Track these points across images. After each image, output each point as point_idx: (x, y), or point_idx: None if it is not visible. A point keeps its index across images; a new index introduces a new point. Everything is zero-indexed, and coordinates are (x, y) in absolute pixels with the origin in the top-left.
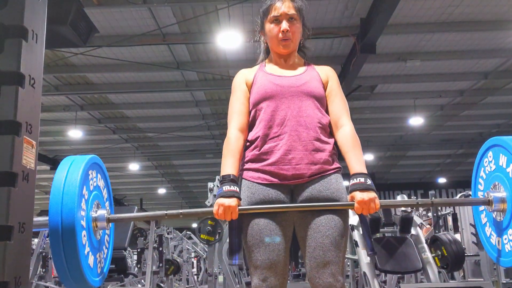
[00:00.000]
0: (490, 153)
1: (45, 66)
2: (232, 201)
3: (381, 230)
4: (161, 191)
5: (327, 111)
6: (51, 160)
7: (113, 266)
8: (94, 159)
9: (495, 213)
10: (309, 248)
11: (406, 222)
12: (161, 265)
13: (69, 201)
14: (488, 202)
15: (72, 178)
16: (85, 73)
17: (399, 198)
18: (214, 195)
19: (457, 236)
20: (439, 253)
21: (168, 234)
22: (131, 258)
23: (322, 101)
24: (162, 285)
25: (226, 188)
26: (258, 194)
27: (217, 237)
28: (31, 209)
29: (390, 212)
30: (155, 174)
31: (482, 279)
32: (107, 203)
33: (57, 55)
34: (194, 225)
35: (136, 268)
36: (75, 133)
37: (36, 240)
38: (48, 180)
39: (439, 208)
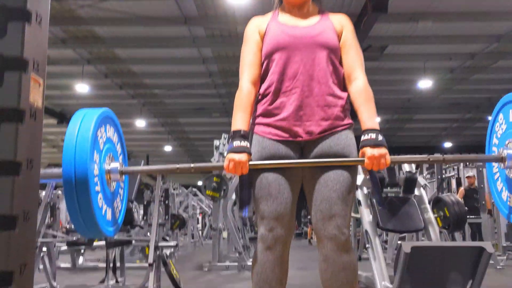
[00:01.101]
0: (504, 111)
1: (51, 18)
2: (243, 156)
3: (384, 190)
4: (167, 148)
5: (341, 63)
6: (58, 114)
7: None
8: (107, 113)
9: (508, 170)
10: (316, 201)
11: (410, 183)
12: (167, 218)
13: (82, 152)
14: (501, 159)
15: (85, 130)
16: (92, 26)
17: None
18: (220, 153)
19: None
20: (441, 214)
21: (174, 190)
22: (137, 213)
23: (336, 53)
24: (167, 238)
25: (236, 143)
26: (269, 149)
27: (222, 193)
28: (39, 147)
29: (394, 172)
30: (162, 132)
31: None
32: (120, 156)
33: (64, 7)
34: (200, 183)
35: (142, 221)
36: (82, 88)
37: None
38: (55, 134)
39: (444, 171)
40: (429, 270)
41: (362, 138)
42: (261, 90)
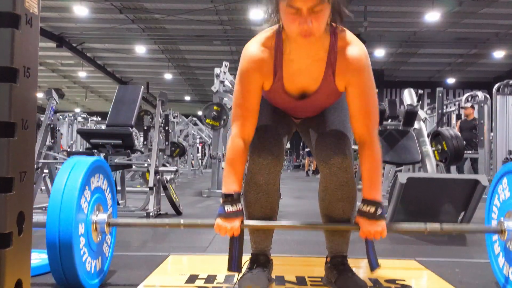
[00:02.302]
0: (505, 180)
1: None
2: (235, 224)
3: (384, 123)
4: (168, 76)
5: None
6: (57, 37)
7: (120, 142)
8: (97, 162)
9: (508, 242)
10: (313, 128)
11: (410, 116)
12: (166, 143)
13: (67, 212)
14: (500, 231)
15: (72, 185)
16: None
17: (406, 92)
18: (221, 81)
19: None
20: (439, 147)
21: (174, 118)
22: (138, 140)
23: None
24: (167, 165)
25: (228, 209)
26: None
27: (222, 122)
28: (35, 56)
29: (395, 105)
30: (162, 59)
31: None
32: (110, 207)
33: None
34: (200, 113)
35: (143, 147)
36: (81, 10)
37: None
38: (55, 57)
39: (445, 106)
40: (423, 201)
41: (361, 207)
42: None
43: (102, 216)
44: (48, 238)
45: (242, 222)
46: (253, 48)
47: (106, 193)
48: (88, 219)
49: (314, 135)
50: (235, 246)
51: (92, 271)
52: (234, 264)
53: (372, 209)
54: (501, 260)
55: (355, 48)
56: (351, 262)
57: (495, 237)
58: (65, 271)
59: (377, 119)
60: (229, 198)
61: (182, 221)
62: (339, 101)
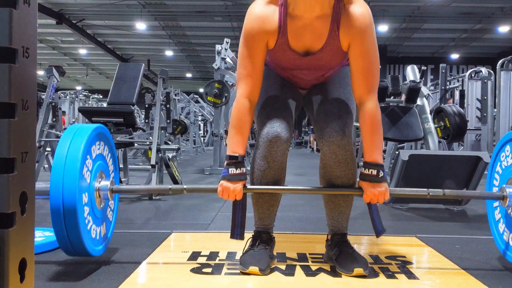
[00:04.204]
0: (507, 147)
1: None
2: (238, 186)
3: (387, 99)
4: (168, 53)
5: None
6: (57, 14)
7: (121, 120)
8: (99, 129)
9: (509, 208)
10: (316, 106)
11: (413, 92)
12: (168, 121)
13: (70, 181)
14: (502, 197)
15: (74, 154)
16: None
17: (409, 68)
18: (222, 58)
19: None
20: (442, 124)
21: (176, 95)
22: (139, 118)
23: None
24: (169, 142)
25: (232, 171)
26: (275, 73)
27: (223, 99)
28: (34, 35)
29: (398, 81)
30: (163, 35)
31: None
32: (112, 174)
33: None
34: (201, 90)
35: (144, 125)
36: None
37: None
38: (54, 35)
39: (448, 82)
40: (425, 178)
41: (363, 170)
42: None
43: (105, 183)
44: (52, 207)
45: (245, 186)
46: (258, 6)
47: (108, 160)
48: (91, 186)
49: (316, 111)
50: (237, 212)
51: (97, 238)
52: (236, 232)
53: (374, 172)
54: (501, 226)
55: (360, 6)
56: (351, 239)
57: (496, 203)
58: (71, 240)
59: (377, 80)
60: (233, 160)
61: (185, 186)
62: (344, 77)
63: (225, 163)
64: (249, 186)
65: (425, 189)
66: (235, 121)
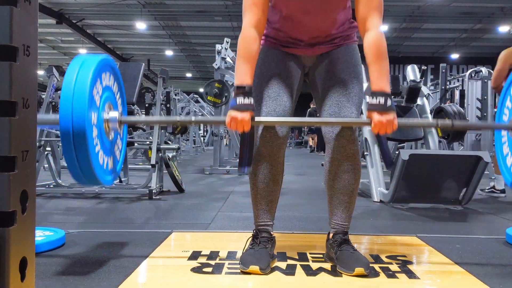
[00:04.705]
0: None
1: None
2: (246, 115)
3: None
4: (168, 53)
5: None
6: (57, 14)
7: None
8: (106, 60)
9: None
10: (325, 106)
11: (413, 92)
12: None
13: (79, 104)
14: (511, 128)
15: (82, 80)
16: None
17: (409, 68)
18: (222, 58)
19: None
20: None
21: (176, 95)
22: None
23: None
24: (169, 142)
25: (240, 100)
26: (273, 57)
27: (223, 99)
28: (35, 33)
29: (398, 81)
30: (163, 35)
31: None
32: (119, 105)
33: None
34: (201, 90)
35: (144, 124)
36: None
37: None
38: (54, 34)
39: (448, 82)
40: (425, 177)
41: (370, 100)
42: (268, 17)
43: (114, 114)
44: (62, 129)
45: (253, 118)
46: None
47: (115, 93)
48: (100, 116)
49: (326, 102)
50: (245, 145)
51: (105, 167)
52: (244, 162)
53: (382, 100)
54: (509, 160)
55: None
56: (352, 238)
57: (504, 138)
58: (79, 160)
59: (382, 5)
60: (241, 90)
61: (193, 118)
62: (359, 74)
63: (233, 94)
64: (256, 119)
65: (434, 120)
66: (241, 50)
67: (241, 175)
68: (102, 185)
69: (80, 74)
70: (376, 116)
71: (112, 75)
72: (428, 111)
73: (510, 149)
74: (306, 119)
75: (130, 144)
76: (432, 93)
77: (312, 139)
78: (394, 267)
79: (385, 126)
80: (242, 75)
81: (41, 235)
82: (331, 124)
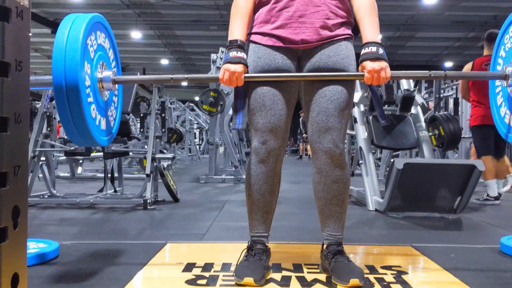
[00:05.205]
0: (511, 29)
1: None
2: (238, 67)
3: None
4: (164, 62)
5: None
6: (52, 24)
7: None
8: (98, 18)
9: (510, 88)
10: (312, 113)
11: (407, 101)
12: (163, 130)
13: (72, 60)
14: (504, 77)
15: (74, 36)
16: None
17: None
18: (218, 67)
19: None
20: (436, 132)
21: (171, 104)
22: (135, 126)
23: None
24: (165, 151)
25: (233, 54)
26: (264, 59)
27: (219, 108)
28: (27, 49)
29: (392, 90)
30: (158, 44)
31: None
32: (113, 65)
33: None
34: (197, 98)
35: (139, 134)
36: None
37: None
38: (49, 44)
39: (442, 90)
40: (420, 186)
41: (362, 51)
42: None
43: (107, 73)
44: (55, 82)
45: (246, 71)
46: None
47: (108, 52)
48: (93, 74)
49: (311, 121)
50: (239, 101)
51: (102, 127)
52: (238, 121)
53: (374, 48)
54: (503, 110)
55: None
56: (346, 248)
57: (498, 89)
58: (73, 116)
59: None
60: (234, 44)
61: (186, 76)
62: (342, 91)
63: (226, 49)
64: (248, 75)
65: (427, 71)
66: (235, 7)
67: (237, 128)
68: (98, 145)
69: (73, 29)
70: (368, 64)
71: (103, 33)
72: (422, 120)
73: (504, 99)
74: (297, 74)
75: (125, 153)
76: (426, 101)
77: (304, 147)
78: (389, 277)
79: (378, 73)
80: (236, 31)
81: (35, 247)
82: (323, 78)
